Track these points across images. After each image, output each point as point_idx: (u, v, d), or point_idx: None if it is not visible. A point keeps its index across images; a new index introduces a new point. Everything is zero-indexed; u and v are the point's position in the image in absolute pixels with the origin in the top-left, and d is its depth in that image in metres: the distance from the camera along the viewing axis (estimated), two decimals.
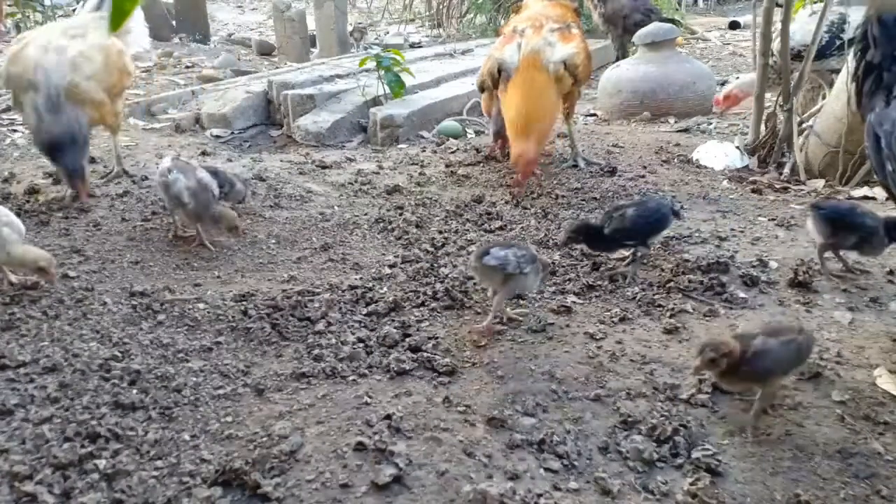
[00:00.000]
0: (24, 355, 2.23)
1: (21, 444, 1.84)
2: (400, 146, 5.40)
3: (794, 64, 4.53)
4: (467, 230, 3.51)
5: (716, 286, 2.81)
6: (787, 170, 4.36)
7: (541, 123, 3.99)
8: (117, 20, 0.90)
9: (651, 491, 1.77)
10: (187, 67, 8.56)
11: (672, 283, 2.85)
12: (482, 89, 4.69)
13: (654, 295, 2.77)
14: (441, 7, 12.39)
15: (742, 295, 2.75)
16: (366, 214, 3.72)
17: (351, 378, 2.21)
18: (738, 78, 7.77)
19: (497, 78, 4.16)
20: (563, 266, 3.06)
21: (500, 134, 4.48)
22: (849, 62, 4.26)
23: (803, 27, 4.70)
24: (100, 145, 4.56)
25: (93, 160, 4.16)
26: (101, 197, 3.73)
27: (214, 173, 3.33)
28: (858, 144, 3.97)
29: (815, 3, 4.60)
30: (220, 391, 2.13)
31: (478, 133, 5.76)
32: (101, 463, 1.77)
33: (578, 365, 2.31)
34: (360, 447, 1.85)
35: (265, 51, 10.18)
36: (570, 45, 4.02)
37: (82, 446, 1.83)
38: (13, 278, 2.70)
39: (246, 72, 8.09)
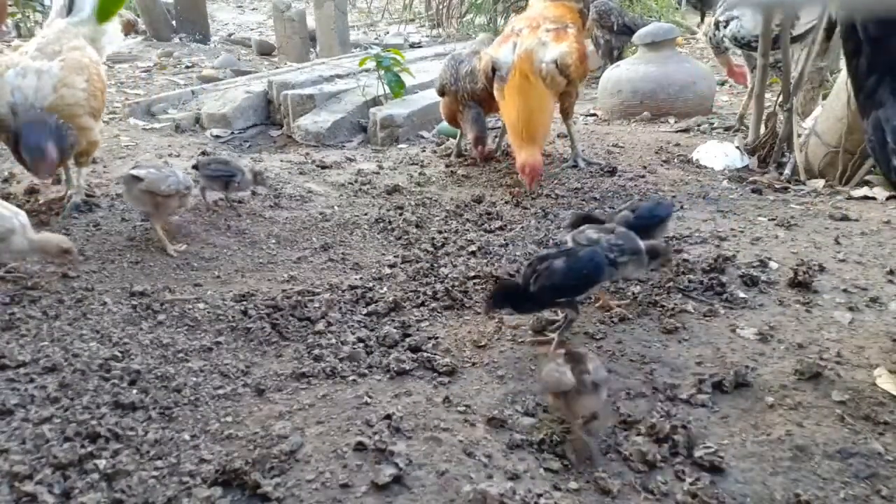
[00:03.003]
0: (24, 355, 2.23)
1: (21, 444, 1.83)
2: (400, 146, 5.40)
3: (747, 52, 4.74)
4: (467, 230, 3.51)
5: (716, 286, 2.81)
6: (787, 170, 4.36)
7: (541, 126, 3.99)
8: (104, 14, 0.89)
9: (651, 491, 1.77)
10: (187, 67, 8.56)
11: (672, 283, 2.85)
12: (442, 94, 4.67)
13: (654, 295, 2.77)
14: (441, 7, 12.38)
15: (742, 295, 2.75)
16: (366, 214, 3.72)
17: (351, 378, 2.21)
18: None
19: (491, 77, 4.16)
20: None
21: (480, 139, 4.44)
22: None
23: (755, 17, 4.72)
24: (100, 145, 4.55)
25: (93, 161, 4.15)
26: (100, 197, 3.73)
27: (226, 163, 3.69)
28: (858, 144, 3.97)
29: None
30: (220, 391, 2.13)
31: None
32: (101, 463, 1.77)
33: None
34: (360, 447, 1.85)
35: (265, 51, 10.18)
36: (563, 45, 4.02)
37: (82, 446, 1.83)
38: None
39: (246, 72, 8.09)
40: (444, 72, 4.62)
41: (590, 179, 4.26)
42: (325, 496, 1.70)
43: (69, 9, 3.70)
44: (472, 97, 4.44)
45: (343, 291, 2.81)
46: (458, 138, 4.88)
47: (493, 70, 4.13)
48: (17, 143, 3.10)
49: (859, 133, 3.72)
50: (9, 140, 3.16)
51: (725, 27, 4.91)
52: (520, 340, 2.47)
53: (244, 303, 2.68)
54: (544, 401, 2.06)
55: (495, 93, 4.18)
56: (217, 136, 5.84)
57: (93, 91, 3.37)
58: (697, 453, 1.86)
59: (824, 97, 4.89)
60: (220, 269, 3.03)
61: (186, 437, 1.91)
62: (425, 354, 2.33)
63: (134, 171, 3.11)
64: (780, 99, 4.52)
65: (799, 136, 4.39)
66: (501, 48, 4.13)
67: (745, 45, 4.88)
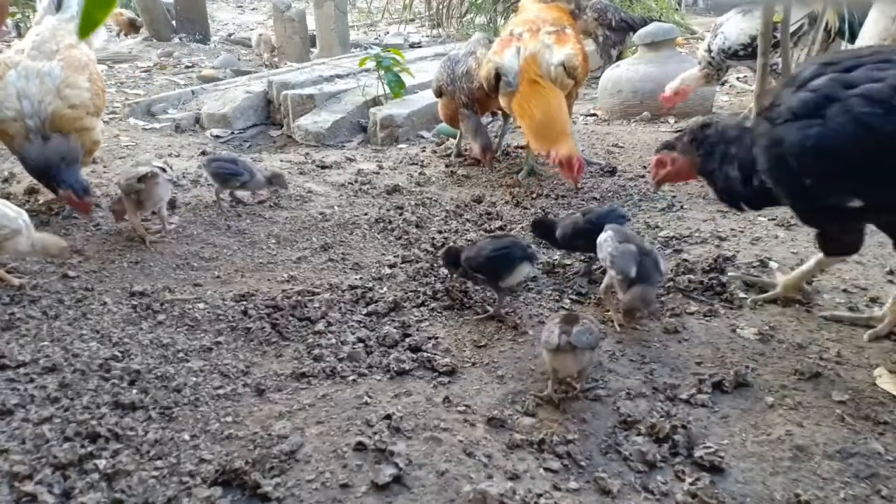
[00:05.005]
0: (24, 355, 2.23)
1: (21, 444, 1.83)
2: (400, 146, 5.40)
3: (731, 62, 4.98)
4: (467, 230, 3.51)
5: (716, 286, 2.81)
6: None
7: (566, 119, 3.97)
8: (87, 29, 0.86)
9: (651, 491, 1.77)
10: (187, 67, 8.57)
11: (672, 283, 2.85)
12: (439, 94, 4.65)
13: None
14: (441, 7, 12.37)
15: (742, 295, 2.75)
16: (366, 214, 3.72)
17: (351, 378, 2.21)
18: (738, 78, 7.79)
19: (494, 84, 4.13)
20: (564, 268, 3.06)
21: (487, 148, 4.39)
22: None
23: (738, 25, 4.89)
24: (101, 145, 4.55)
25: (93, 161, 4.16)
26: (101, 197, 3.73)
27: (234, 162, 3.71)
28: None
29: None
30: (220, 391, 2.13)
31: None
32: (101, 463, 1.77)
33: None
34: (360, 447, 1.85)
35: None
36: (567, 47, 4.01)
37: (82, 446, 1.83)
38: (16, 281, 2.70)
39: (246, 72, 8.09)
40: (441, 73, 4.60)
41: (590, 179, 4.26)
42: (325, 496, 1.70)
43: (57, 6, 3.68)
44: (469, 97, 4.43)
45: (343, 291, 2.81)
46: (458, 138, 4.88)
47: (497, 76, 4.08)
48: (48, 174, 3.14)
49: None
50: (11, 144, 3.17)
51: (714, 41, 5.03)
52: (520, 340, 2.47)
53: (244, 303, 2.68)
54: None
55: (501, 99, 4.14)
56: (217, 136, 5.84)
57: (96, 90, 3.38)
58: (697, 453, 1.86)
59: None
60: (220, 269, 3.03)
61: (186, 437, 1.91)
62: (425, 354, 2.33)
63: (156, 166, 3.16)
64: None
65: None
66: (505, 53, 4.08)
67: (733, 55, 4.95)
